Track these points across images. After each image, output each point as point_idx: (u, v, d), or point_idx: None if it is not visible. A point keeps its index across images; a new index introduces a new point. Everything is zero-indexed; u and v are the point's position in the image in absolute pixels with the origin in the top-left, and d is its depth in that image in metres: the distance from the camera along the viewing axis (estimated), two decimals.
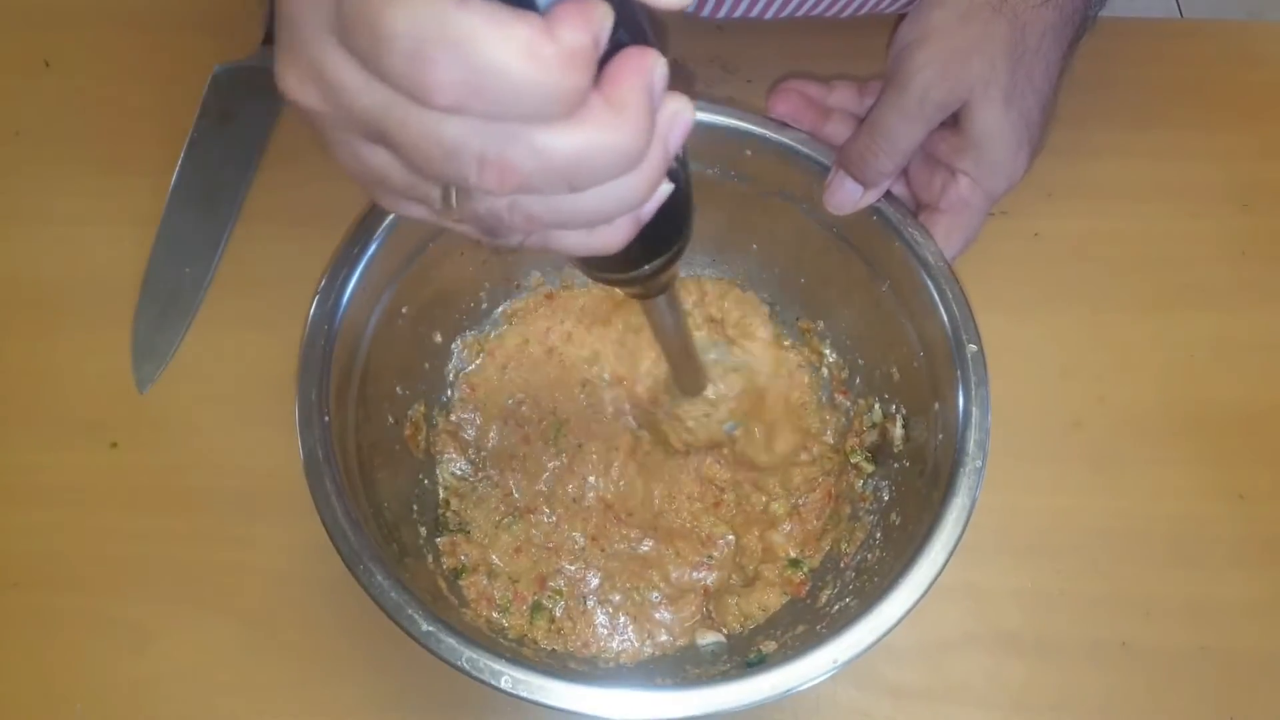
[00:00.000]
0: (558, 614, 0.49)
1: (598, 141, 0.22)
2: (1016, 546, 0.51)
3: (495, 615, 0.48)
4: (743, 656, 0.46)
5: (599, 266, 0.32)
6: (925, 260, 0.45)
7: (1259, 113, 0.64)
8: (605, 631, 0.49)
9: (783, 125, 0.48)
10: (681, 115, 0.25)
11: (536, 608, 0.49)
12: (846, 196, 0.47)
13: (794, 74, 0.54)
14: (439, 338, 0.52)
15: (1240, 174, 0.61)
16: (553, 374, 0.54)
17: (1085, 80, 0.60)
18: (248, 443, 0.52)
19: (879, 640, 0.38)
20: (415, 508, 0.49)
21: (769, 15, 0.61)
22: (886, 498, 0.48)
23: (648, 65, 0.23)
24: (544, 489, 0.52)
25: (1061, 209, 0.60)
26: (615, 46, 0.23)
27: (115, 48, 0.64)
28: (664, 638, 0.49)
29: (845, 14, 0.62)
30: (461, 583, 0.48)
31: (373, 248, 0.45)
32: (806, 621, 0.46)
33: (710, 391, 0.51)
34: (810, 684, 0.37)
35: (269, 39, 0.62)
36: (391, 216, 0.45)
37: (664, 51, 0.23)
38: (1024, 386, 0.54)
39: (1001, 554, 0.51)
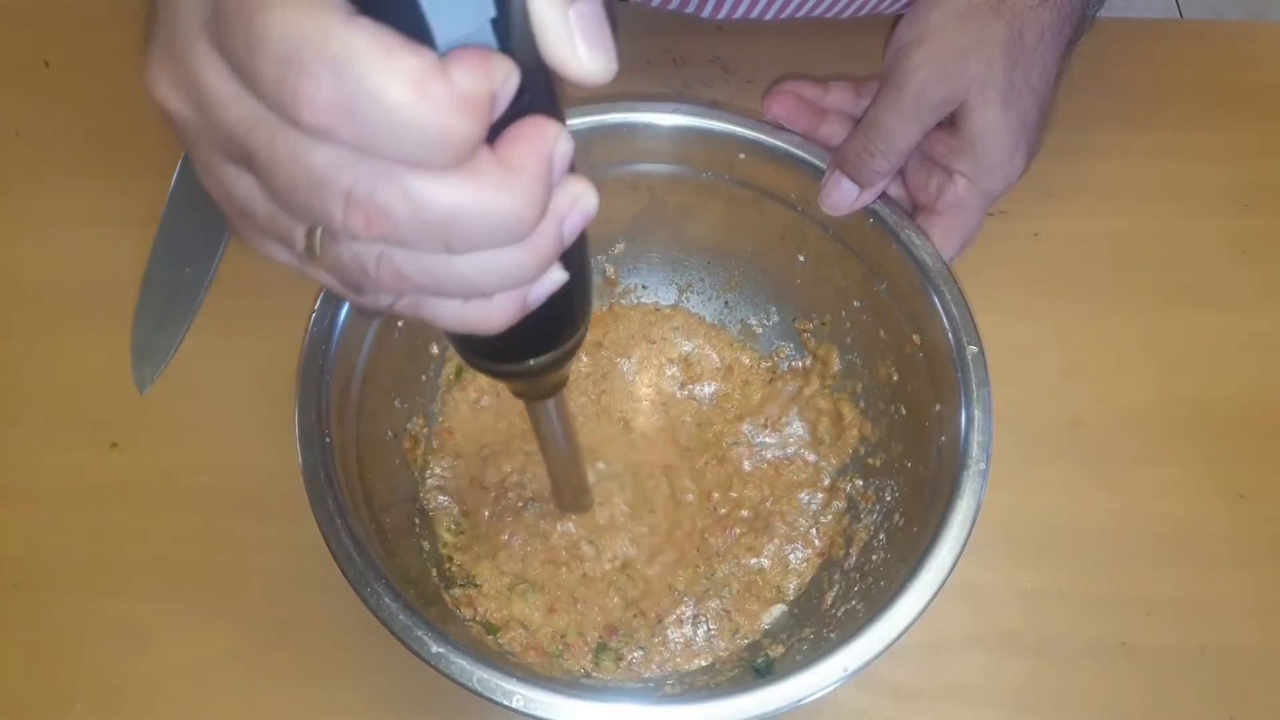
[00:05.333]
0: (626, 653, 0.48)
1: (481, 201, 0.20)
2: (1017, 546, 0.51)
3: (545, 661, 0.47)
4: (749, 661, 0.46)
5: (477, 351, 0.29)
6: (923, 262, 0.45)
7: (1259, 112, 0.64)
8: (680, 648, 0.48)
9: (776, 128, 0.48)
10: (583, 201, 0.23)
11: (601, 649, 0.48)
12: (842, 197, 0.47)
13: (794, 75, 0.54)
14: (435, 349, 0.52)
15: (1240, 174, 0.61)
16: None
17: (1085, 80, 0.60)
18: (248, 443, 0.52)
19: (888, 647, 0.38)
20: (417, 522, 0.49)
21: (769, 16, 0.61)
22: (889, 498, 0.48)
23: (551, 134, 0.21)
24: (545, 566, 0.49)
25: (1061, 209, 0.60)
26: (520, 113, 0.21)
27: (115, 48, 0.63)
28: (740, 634, 0.49)
29: (845, 14, 0.62)
30: (500, 639, 0.47)
31: None
32: (813, 625, 0.46)
33: (599, 516, 0.49)
34: (821, 693, 0.37)
35: None
36: None
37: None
38: (1024, 386, 0.54)
39: (1001, 554, 0.51)
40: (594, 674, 0.47)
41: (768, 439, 0.53)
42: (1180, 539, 0.51)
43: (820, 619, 0.46)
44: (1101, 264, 0.58)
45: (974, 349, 0.43)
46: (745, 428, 0.53)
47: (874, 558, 0.46)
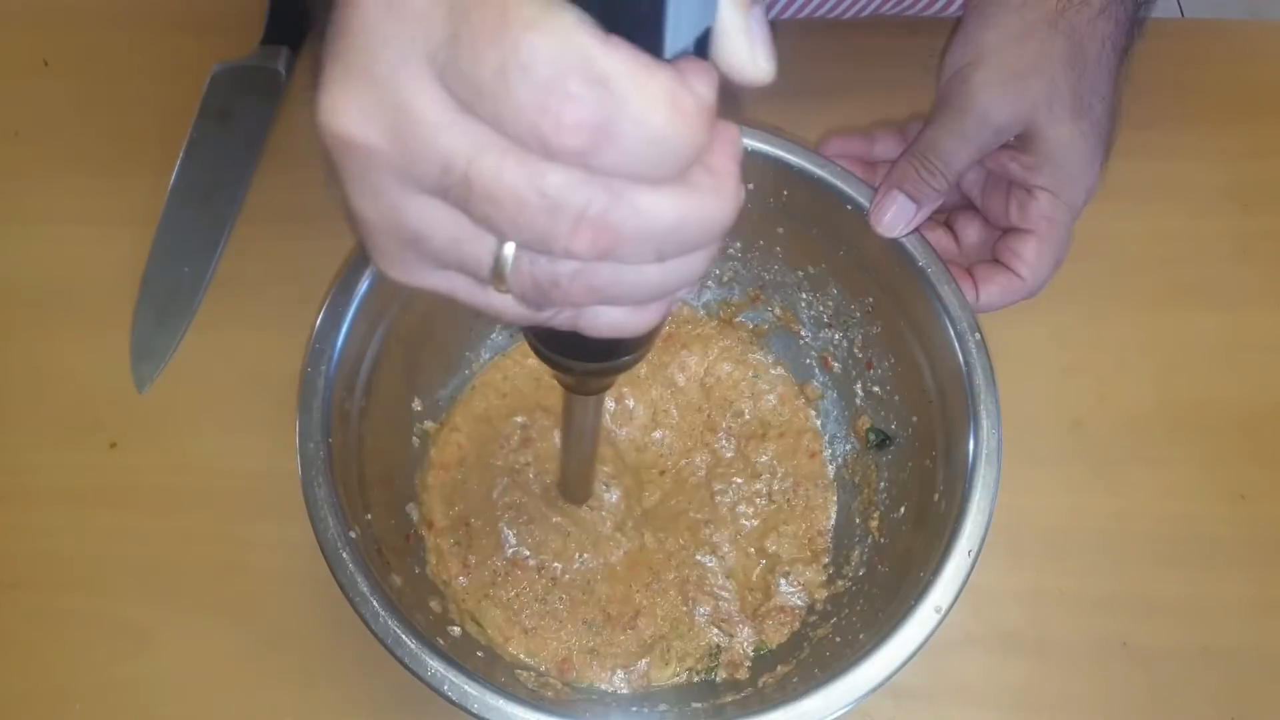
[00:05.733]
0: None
1: (699, 209, 0.21)
2: (1017, 546, 0.51)
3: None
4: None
5: (562, 351, 0.29)
6: (913, 258, 0.45)
7: (1260, 112, 0.63)
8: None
9: (780, 138, 0.47)
10: (742, 196, 0.23)
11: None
12: (900, 214, 0.45)
13: (798, 83, 0.53)
14: (417, 405, 0.52)
15: (1241, 173, 0.61)
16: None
17: None
18: (247, 443, 0.52)
19: (911, 657, 0.38)
20: (412, 534, 0.49)
21: (769, 16, 0.61)
22: (896, 500, 0.48)
23: (738, 135, 0.22)
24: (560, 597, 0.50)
25: None
26: None
27: (114, 47, 0.64)
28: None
29: (846, 16, 0.62)
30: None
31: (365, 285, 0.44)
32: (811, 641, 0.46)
33: (594, 504, 0.50)
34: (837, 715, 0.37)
35: (268, 38, 0.62)
36: None
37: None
38: (1025, 387, 0.54)
39: (1002, 554, 0.51)
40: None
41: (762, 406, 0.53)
42: (1181, 539, 0.51)
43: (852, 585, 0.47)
44: (1101, 264, 0.58)
45: (978, 336, 0.43)
46: (731, 416, 0.53)
47: (899, 539, 0.46)
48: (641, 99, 0.19)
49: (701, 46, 0.21)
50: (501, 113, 0.19)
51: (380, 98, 0.21)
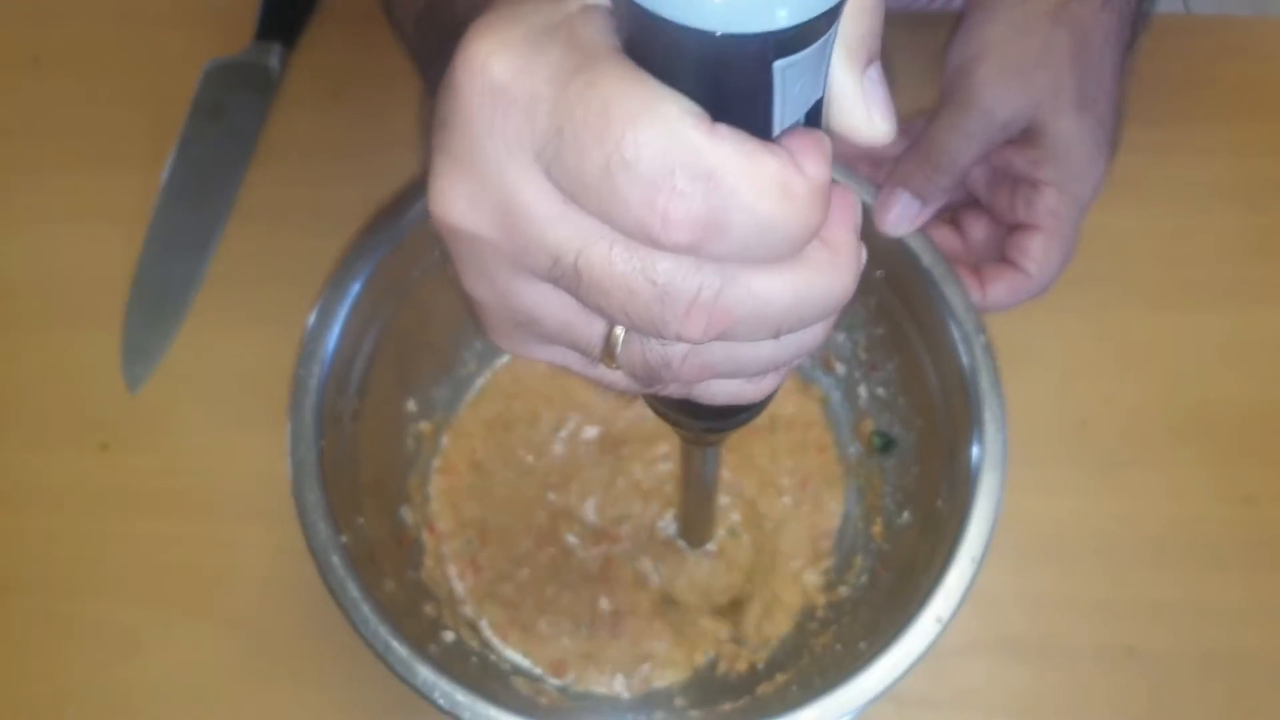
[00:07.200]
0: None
1: (816, 286, 0.20)
2: (1021, 550, 0.50)
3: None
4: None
5: (680, 410, 0.29)
6: (917, 258, 0.45)
7: (1266, 109, 0.63)
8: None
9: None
10: (863, 264, 0.23)
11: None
12: (905, 211, 0.45)
13: None
14: (413, 407, 0.51)
15: (1247, 171, 0.60)
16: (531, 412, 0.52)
17: None
18: (240, 444, 0.52)
19: (917, 662, 0.38)
20: (404, 531, 0.49)
21: None
22: (900, 505, 0.47)
23: (856, 204, 0.21)
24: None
25: None
26: None
27: (105, 43, 0.63)
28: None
29: None
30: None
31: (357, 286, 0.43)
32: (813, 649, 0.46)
33: (712, 545, 0.50)
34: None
35: (261, 34, 0.61)
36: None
37: None
38: (1028, 387, 0.53)
39: (1005, 557, 0.50)
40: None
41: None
42: (1187, 543, 0.51)
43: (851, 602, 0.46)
44: (1106, 262, 0.57)
45: (982, 338, 0.43)
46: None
47: (902, 545, 0.46)
48: (751, 190, 0.18)
49: (814, 115, 0.20)
50: (609, 209, 0.19)
51: (488, 190, 0.20)
